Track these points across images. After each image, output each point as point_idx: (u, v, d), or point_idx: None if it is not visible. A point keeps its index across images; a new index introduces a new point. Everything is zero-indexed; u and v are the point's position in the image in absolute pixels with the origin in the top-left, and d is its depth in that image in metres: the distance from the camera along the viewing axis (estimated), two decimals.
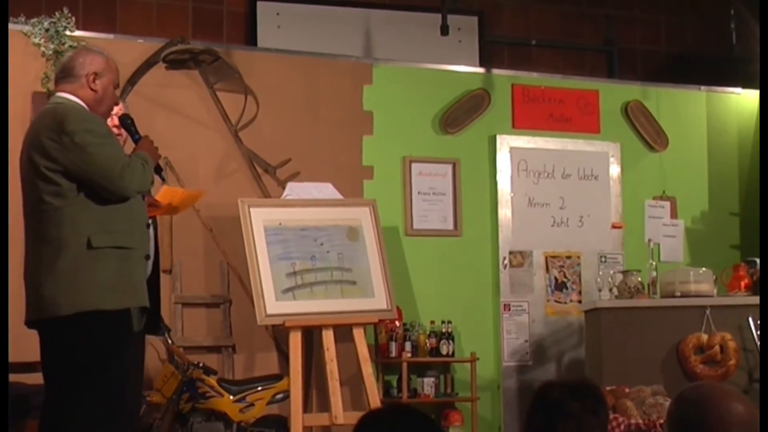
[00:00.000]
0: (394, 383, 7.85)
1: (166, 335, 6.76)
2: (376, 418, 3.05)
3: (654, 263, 7.60)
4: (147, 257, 4.50)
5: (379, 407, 3.29)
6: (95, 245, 4.22)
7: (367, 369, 6.94)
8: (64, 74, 4.50)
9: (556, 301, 8.48)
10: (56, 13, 7.17)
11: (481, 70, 8.77)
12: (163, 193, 5.22)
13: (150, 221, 4.79)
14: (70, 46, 6.93)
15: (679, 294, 7.31)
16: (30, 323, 4.38)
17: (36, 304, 4.30)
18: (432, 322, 7.97)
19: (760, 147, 8.04)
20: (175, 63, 7.58)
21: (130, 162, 4.32)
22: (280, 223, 7.19)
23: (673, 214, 8.58)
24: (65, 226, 4.24)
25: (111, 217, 4.30)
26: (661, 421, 6.22)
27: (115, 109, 5.14)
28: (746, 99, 9.20)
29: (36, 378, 6.00)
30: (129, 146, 4.76)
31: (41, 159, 4.27)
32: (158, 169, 4.64)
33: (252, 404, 6.89)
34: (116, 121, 5.04)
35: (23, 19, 7.15)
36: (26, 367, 5.89)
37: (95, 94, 4.46)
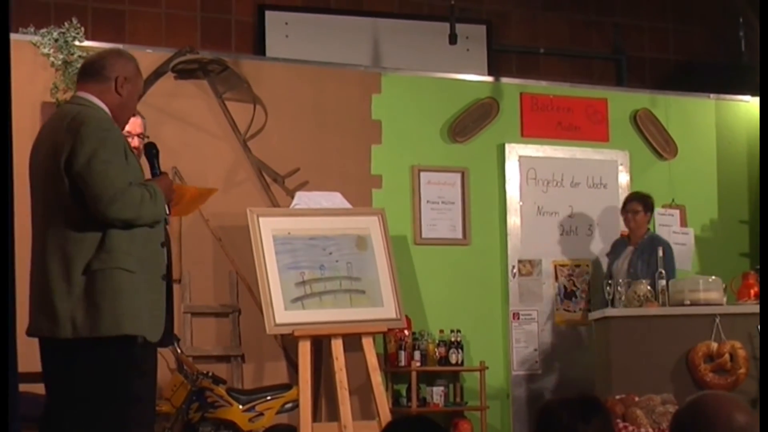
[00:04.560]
0: (404, 392, 7.84)
1: (176, 345, 6.72)
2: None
3: (663, 272, 7.54)
4: (164, 278, 4.31)
5: (399, 418, 3.28)
6: (94, 267, 4.07)
7: (377, 378, 6.94)
8: (92, 73, 4.31)
9: (565, 310, 8.47)
10: (65, 24, 7.18)
11: (489, 78, 8.78)
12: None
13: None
14: (80, 56, 6.94)
15: (688, 302, 7.29)
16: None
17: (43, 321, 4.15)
18: (441, 331, 7.95)
19: (760, 151, 8.02)
20: (183, 73, 7.60)
21: (127, 190, 4.08)
22: (289, 233, 7.18)
23: (683, 223, 8.60)
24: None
25: (112, 235, 4.12)
26: None
27: (133, 127, 5.11)
28: (755, 106, 9.16)
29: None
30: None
31: (57, 162, 4.11)
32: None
33: (261, 413, 6.88)
34: (135, 143, 4.99)
35: (32, 30, 7.15)
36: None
37: (120, 99, 4.27)
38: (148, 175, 4.50)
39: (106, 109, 4.26)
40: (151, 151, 4.53)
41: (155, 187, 4.25)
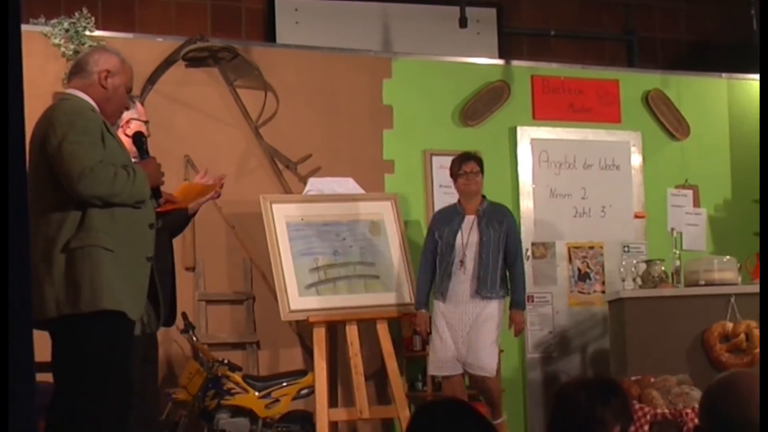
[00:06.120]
0: (419, 377, 7.83)
1: (191, 333, 6.79)
2: (431, 415, 3.03)
3: (677, 252, 7.60)
4: (149, 259, 4.34)
5: (431, 402, 3.27)
6: (72, 246, 4.12)
7: (392, 363, 6.95)
8: (77, 70, 4.44)
9: (579, 292, 8.45)
10: (76, 14, 7.21)
11: (500, 61, 8.76)
12: (181, 189, 5.22)
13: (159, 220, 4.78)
14: (90, 47, 6.94)
15: (703, 282, 7.30)
16: None
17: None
18: None
19: (760, 143, 7.96)
20: (194, 61, 7.61)
21: (96, 167, 4.13)
22: (302, 219, 7.22)
23: (696, 203, 8.54)
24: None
25: (92, 215, 4.18)
26: (688, 410, 6.24)
27: (132, 122, 5.16)
28: None
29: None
30: None
31: (37, 150, 4.21)
32: (157, 195, 4.44)
33: (277, 400, 6.92)
34: (144, 129, 5.06)
35: (43, 20, 7.18)
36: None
37: (105, 91, 4.37)
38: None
39: (90, 101, 4.35)
40: (140, 139, 4.62)
41: (137, 168, 4.31)
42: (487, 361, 6.74)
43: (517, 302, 6.95)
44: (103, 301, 4.10)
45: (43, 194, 4.19)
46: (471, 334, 6.77)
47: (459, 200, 7.03)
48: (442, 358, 6.81)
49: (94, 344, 4.09)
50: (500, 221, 6.91)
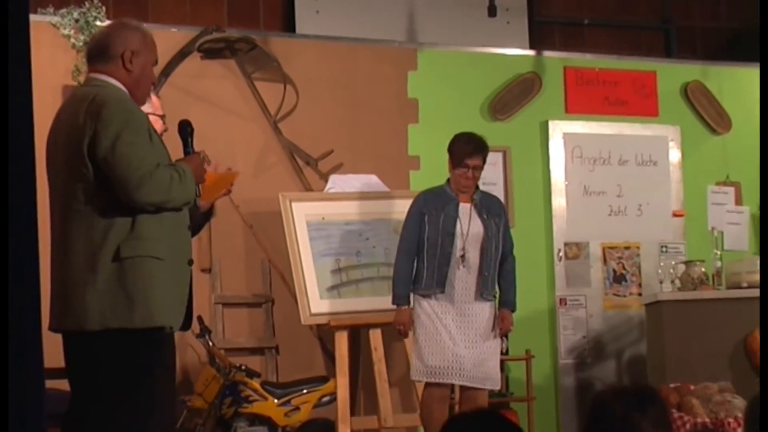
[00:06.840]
0: None
1: (207, 337, 6.78)
2: (463, 426, 3.01)
3: (718, 252, 7.58)
4: (190, 263, 4.24)
5: (463, 413, 3.28)
6: (123, 255, 3.97)
7: None
8: (98, 54, 4.22)
9: (614, 295, 8.39)
10: (86, 3, 7.12)
11: (531, 52, 8.70)
12: None
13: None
14: None
15: (746, 285, 7.27)
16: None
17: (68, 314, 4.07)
18: None
19: (760, 145, 7.83)
20: (210, 52, 7.58)
21: (155, 173, 3.99)
22: (323, 218, 7.19)
23: (738, 201, 8.45)
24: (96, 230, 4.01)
25: (142, 221, 4.03)
26: (730, 419, 6.20)
27: (156, 108, 4.93)
28: None
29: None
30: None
31: (80, 147, 4.01)
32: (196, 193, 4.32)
33: (297, 408, 6.89)
34: (159, 123, 4.82)
35: (52, 10, 7.10)
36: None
37: (132, 74, 4.17)
38: (180, 154, 4.43)
39: (123, 88, 4.18)
40: (186, 129, 4.45)
41: (184, 167, 4.17)
42: (495, 371, 6.25)
43: (509, 301, 6.36)
44: (156, 317, 3.99)
45: (85, 195, 4.02)
46: (477, 342, 6.17)
47: (449, 183, 6.43)
48: (438, 363, 6.14)
49: (139, 360, 3.99)
50: (498, 214, 6.38)
